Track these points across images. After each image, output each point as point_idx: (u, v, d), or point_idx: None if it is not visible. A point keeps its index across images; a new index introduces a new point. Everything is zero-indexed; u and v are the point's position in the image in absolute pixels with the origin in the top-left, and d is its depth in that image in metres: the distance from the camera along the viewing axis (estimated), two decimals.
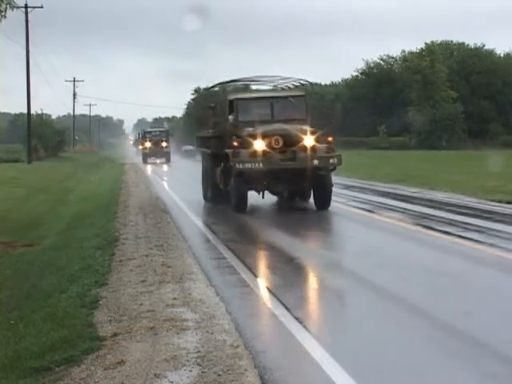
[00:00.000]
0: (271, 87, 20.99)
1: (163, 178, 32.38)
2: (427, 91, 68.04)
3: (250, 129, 16.15)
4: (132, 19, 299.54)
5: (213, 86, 22.92)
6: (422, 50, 71.80)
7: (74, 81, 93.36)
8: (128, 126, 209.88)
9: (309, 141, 15.77)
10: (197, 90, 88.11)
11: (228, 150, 16.17)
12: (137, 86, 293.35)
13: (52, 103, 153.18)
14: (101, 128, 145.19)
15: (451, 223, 13.20)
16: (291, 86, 19.75)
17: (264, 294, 8.00)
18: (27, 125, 52.68)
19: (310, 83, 20.83)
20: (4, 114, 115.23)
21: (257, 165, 15.59)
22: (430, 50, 70.87)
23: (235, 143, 15.98)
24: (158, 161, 51.87)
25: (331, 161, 15.88)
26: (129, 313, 7.26)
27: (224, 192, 17.14)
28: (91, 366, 5.78)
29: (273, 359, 5.67)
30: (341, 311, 7.59)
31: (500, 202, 16.53)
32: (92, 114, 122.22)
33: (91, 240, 12.62)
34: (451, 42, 79.27)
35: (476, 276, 8.90)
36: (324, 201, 16.13)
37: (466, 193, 18.64)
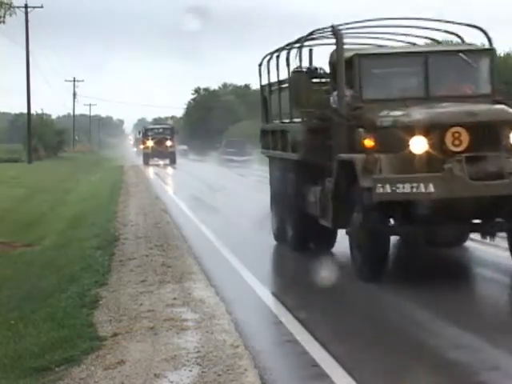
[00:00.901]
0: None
1: (166, 182, 30.21)
2: None
3: (397, 113, 8.79)
4: (132, 19, 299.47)
5: (303, 39, 10.63)
6: None
7: (74, 81, 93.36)
8: (128, 126, 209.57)
9: None
10: (197, 90, 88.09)
11: (350, 156, 8.74)
12: (137, 86, 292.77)
13: (52, 103, 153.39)
14: (101, 128, 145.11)
15: None
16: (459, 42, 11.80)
17: None
18: (27, 125, 52.63)
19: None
20: (4, 113, 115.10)
21: (422, 188, 7.98)
22: None
23: (369, 141, 8.62)
24: (161, 162, 46.03)
25: None
26: (129, 313, 7.27)
27: (328, 233, 10.03)
28: (91, 366, 5.78)
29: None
30: None
31: None
32: (92, 113, 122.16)
33: (91, 240, 12.62)
34: (451, 41, 79.31)
35: (475, 276, 8.89)
36: None
37: None
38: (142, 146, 50.34)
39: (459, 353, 5.66)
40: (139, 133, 57.51)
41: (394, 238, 9.11)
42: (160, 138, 46.37)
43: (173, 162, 45.48)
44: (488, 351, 5.73)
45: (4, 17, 17.16)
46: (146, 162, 45.96)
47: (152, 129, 50.99)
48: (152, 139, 46.69)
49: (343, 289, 8.23)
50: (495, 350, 5.74)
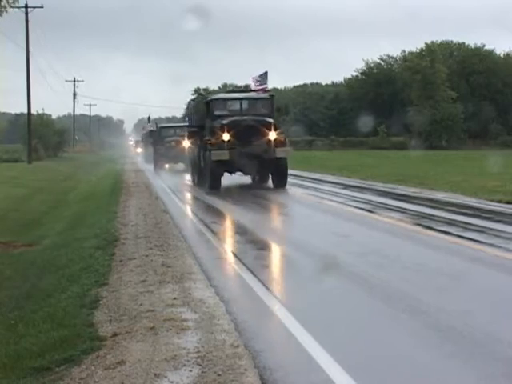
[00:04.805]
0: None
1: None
2: (427, 91, 68.07)
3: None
4: (132, 19, 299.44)
5: None
6: (422, 50, 71.86)
7: (74, 81, 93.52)
8: (128, 126, 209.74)
9: None
10: (197, 90, 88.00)
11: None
12: (137, 86, 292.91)
13: (52, 103, 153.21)
14: (101, 128, 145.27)
15: (451, 223, 13.20)
16: None
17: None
18: (27, 125, 52.67)
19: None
20: (4, 113, 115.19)
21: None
22: (430, 49, 70.93)
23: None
24: (177, 166, 38.99)
25: None
26: (129, 313, 7.27)
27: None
28: (91, 366, 5.78)
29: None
30: (337, 310, 7.57)
31: (500, 202, 16.53)
32: (92, 114, 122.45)
33: (91, 240, 12.62)
34: (451, 42, 79.33)
35: (476, 276, 8.90)
36: None
37: (466, 193, 18.64)
38: (153, 149, 42.07)
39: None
40: (149, 133, 47.75)
41: None
42: (177, 139, 37.97)
43: None
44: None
45: (6, 8, 17.11)
46: (159, 166, 39.09)
47: (168, 127, 43.28)
48: (167, 142, 38.92)
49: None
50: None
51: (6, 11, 17.71)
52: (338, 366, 5.44)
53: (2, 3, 17.22)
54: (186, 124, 39.67)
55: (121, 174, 36.68)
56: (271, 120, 23.07)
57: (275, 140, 22.41)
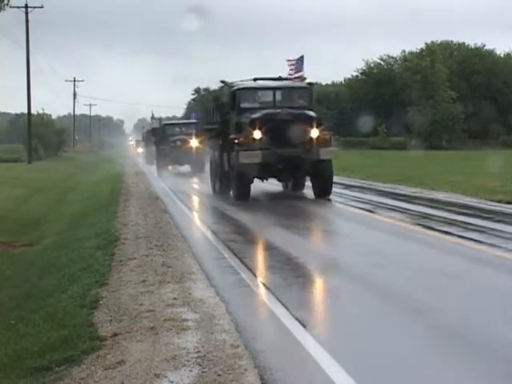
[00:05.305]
0: None
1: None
2: (427, 91, 68.02)
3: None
4: (132, 19, 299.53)
5: None
6: (422, 50, 71.80)
7: (74, 81, 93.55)
8: (128, 126, 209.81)
9: None
10: (197, 90, 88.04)
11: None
12: (137, 86, 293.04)
13: (52, 103, 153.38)
14: (101, 128, 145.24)
15: (451, 223, 13.19)
16: None
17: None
18: (27, 125, 52.70)
19: None
20: (4, 113, 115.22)
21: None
22: (430, 50, 70.85)
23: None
24: (182, 168, 35.75)
25: None
26: (129, 313, 7.26)
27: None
28: (91, 366, 5.78)
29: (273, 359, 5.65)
30: (338, 311, 7.57)
31: (500, 201, 16.51)
32: (92, 114, 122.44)
33: (91, 240, 12.62)
34: (451, 42, 79.27)
35: (476, 276, 8.89)
36: None
37: (466, 193, 18.62)
38: (155, 149, 38.31)
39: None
40: (152, 131, 43.69)
41: None
42: (182, 138, 35.01)
43: (200, 168, 32.99)
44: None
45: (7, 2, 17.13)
46: (163, 166, 35.48)
47: (173, 124, 40.03)
48: (172, 141, 35.27)
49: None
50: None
51: (9, 5, 17.77)
52: (338, 366, 5.43)
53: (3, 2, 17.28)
54: (193, 121, 37.66)
55: (121, 174, 36.58)
56: (313, 113, 19.11)
57: (318, 138, 18.48)
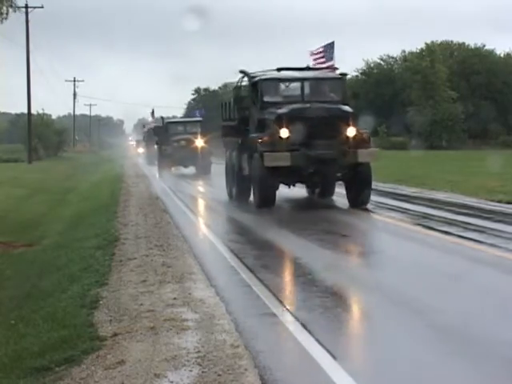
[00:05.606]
0: None
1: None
2: (427, 91, 68.01)
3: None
4: (132, 19, 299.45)
5: None
6: (422, 50, 71.80)
7: (74, 81, 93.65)
8: (128, 126, 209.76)
9: None
10: (197, 90, 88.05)
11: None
12: (137, 86, 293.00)
13: (52, 103, 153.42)
14: (101, 128, 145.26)
15: (451, 223, 13.19)
16: None
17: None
18: (27, 125, 52.73)
19: None
20: (4, 113, 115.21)
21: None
22: (430, 50, 70.83)
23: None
24: (187, 170, 33.38)
25: None
26: (129, 313, 7.26)
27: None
28: (91, 366, 5.78)
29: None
30: (339, 311, 7.57)
31: (500, 201, 16.51)
32: (92, 114, 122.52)
33: (91, 240, 12.62)
34: (451, 42, 79.28)
35: (476, 276, 8.89)
36: None
37: (466, 193, 18.62)
38: (157, 148, 35.87)
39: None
40: (153, 130, 41.24)
41: None
42: (186, 137, 33.02)
43: (206, 170, 31.06)
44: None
45: (7, 14, 17.22)
46: (165, 168, 33.32)
47: (175, 123, 37.80)
48: (175, 141, 33.03)
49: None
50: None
51: (6, 18, 17.85)
52: (337, 366, 5.43)
53: (3, 10, 17.32)
54: (198, 119, 35.85)
55: (121, 174, 36.55)
56: (349, 109, 16.50)
57: (356, 137, 15.89)
